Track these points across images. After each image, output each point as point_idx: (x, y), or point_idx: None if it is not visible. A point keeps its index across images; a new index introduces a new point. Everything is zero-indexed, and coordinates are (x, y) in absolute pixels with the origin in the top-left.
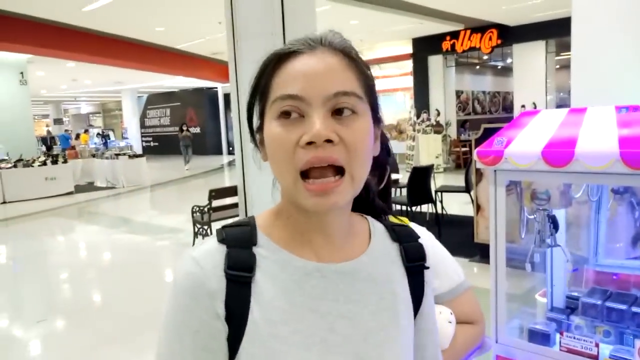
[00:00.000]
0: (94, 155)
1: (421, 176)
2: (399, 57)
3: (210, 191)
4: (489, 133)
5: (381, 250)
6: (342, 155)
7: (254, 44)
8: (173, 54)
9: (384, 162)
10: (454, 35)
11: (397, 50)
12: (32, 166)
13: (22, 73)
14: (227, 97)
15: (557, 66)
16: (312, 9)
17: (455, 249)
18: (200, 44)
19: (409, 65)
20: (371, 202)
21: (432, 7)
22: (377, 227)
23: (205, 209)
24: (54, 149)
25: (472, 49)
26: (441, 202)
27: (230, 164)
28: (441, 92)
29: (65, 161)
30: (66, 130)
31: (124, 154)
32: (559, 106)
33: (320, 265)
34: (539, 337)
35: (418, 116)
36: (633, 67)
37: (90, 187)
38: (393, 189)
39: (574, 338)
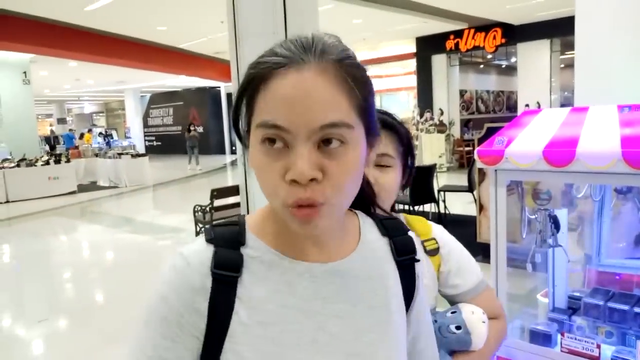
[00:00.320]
0: (96, 155)
1: (424, 175)
2: (402, 56)
3: (212, 191)
4: (492, 132)
5: (371, 246)
6: (325, 193)
7: (256, 43)
8: (175, 53)
9: (410, 168)
10: (458, 34)
11: (400, 49)
12: (35, 166)
13: (25, 73)
14: (229, 96)
15: (562, 65)
16: (315, 8)
17: None
18: (202, 43)
19: (412, 64)
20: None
21: (436, 5)
22: (367, 222)
23: (207, 209)
24: (58, 148)
25: (476, 48)
26: (444, 201)
27: (233, 163)
28: (445, 91)
29: (68, 160)
30: (70, 130)
31: (127, 154)
32: (563, 105)
33: (310, 266)
34: (540, 338)
35: (421, 115)
36: (636, 67)
37: (93, 186)
38: None
39: (575, 339)
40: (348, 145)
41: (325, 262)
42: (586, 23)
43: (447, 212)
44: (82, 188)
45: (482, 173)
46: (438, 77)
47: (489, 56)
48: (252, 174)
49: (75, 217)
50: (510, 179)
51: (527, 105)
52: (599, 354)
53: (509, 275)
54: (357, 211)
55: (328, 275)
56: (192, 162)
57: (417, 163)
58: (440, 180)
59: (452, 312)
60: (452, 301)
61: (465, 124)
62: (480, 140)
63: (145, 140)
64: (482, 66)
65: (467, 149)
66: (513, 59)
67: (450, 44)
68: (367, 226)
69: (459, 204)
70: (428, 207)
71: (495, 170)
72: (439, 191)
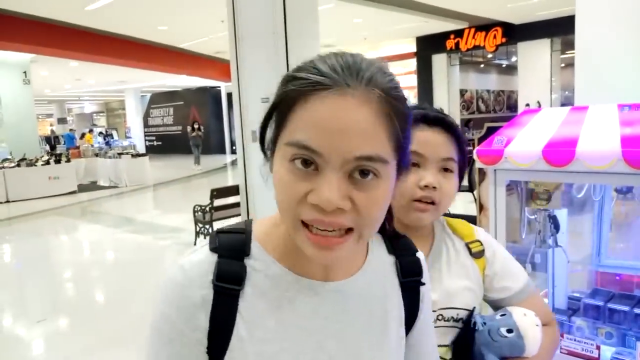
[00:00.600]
0: (97, 155)
1: None
2: (402, 55)
3: (212, 190)
4: (492, 132)
5: (376, 266)
6: (351, 220)
7: (255, 43)
8: (176, 53)
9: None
10: (458, 33)
11: (401, 48)
12: (36, 165)
13: (25, 72)
14: (230, 96)
15: (562, 64)
16: (315, 8)
17: None
18: (203, 42)
19: (412, 63)
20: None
21: (436, 5)
22: (376, 238)
23: (207, 209)
24: (58, 148)
25: (476, 47)
26: None
27: (234, 163)
28: (445, 90)
29: (68, 160)
30: (71, 130)
31: (127, 153)
32: (564, 104)
33: (314, 283)
34: None
35: None
36: (637, 66)
37: (93, 186)
38: None
39: (575, 340)
40: (380, 180)
41: (330, 281)
42: (586, 22)
43: (447, 211)
44: (82, 188)
45: (481, 173)
46: (438, 77)
47: (490, 55)
48: (251, 173)
49: (76, 217)
50: (509, 178)
51: (527, 105)
52: (599, 355)
53: None
54: None
55: (331, 294)
56: (198, 160)
57: None
58: None
59: (502, 315)
60: (499, 307)
61: (465, 123)
62: (480, 140)
63: (145, 140)
64: (482, 65)
65: (467, 148)
66: (513, 59)
67: (450, 43)
68: (376, 244)
69: (460, 204)
70: None
71: (495, 170)
72: None
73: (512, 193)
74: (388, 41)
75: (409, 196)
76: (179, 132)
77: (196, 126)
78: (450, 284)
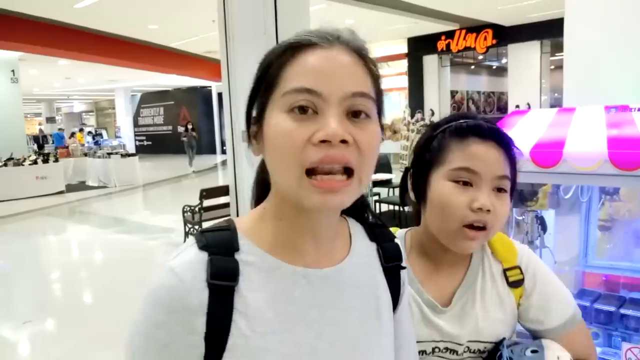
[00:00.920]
0: (86, 154)
1: None
2: (394, 56)
3: (202, 191)
4: None
5: (362, 253)
6: (354, 157)
7: (246, 42)
8: (166, 52)
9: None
10: (449, 35)
11: (392, 49)
12: (23, 165)
13: (13, 71)
14: (220, 96)
15: (552, 67)
16: (306, 8)
17: None
18: (193, 42)
19: (404, 64)
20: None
21: (427, 6)
22: (356, 227)
23: (197, 209)
24: (46, 147)
25: (467, 48)
26: None
27: (224, 163)
28: (436, 92)
29: (56, 160)
30: (60, 129)
31: (117, 153)
32: (553, 106)
33: (307, 271)
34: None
35: (412, 116)
36: (624, 68)
37: (81, 186)
38: (386, 189)
39: None
40: (371, 120)
41: (322, 268)
42: (575, 25)
43: None
44: (70, 188)
45: None
46: (429, 78)
47: (480, 57)
48: (241, 174)
49: (64, 217)
50: None
51: (517, 106)
52: None
53: None
54: (346, 217)
55: (323, 281)
56: (193, 162)
57: (408, 164)
58: None
59: (533, 351)
60: (534, 335)
61: None
62: None
63: (135, 140)
64: (473, 67)
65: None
66: (504, 60)
67: (441, 44)
68: (357, 232)
69: None
70: None
71: None
72: None
73: None
74: (380, 42)
75: (459, 220)
76: (170, 132)
77: (190, 127)
78: (482, 316)
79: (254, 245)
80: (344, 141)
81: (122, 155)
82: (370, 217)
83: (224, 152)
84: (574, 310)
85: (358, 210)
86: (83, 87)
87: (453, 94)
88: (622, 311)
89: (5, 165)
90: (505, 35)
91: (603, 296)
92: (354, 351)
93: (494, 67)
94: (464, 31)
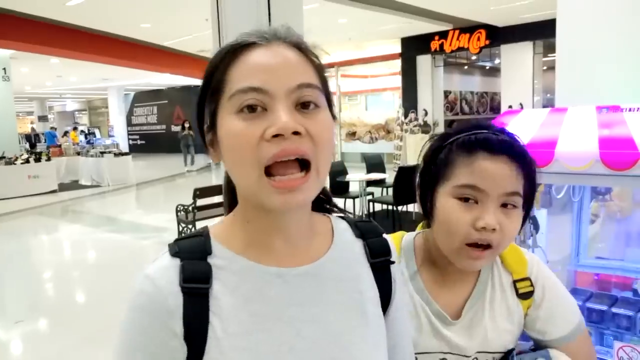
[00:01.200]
0: (78, 153)
1: (408, 176)
2: (387, 56)
3: (195, 190)
4: None
5: (344, 249)
6: (309, 147)
7: None
8: (159, 51)
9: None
10: (443, 35)
11: (385, 49)
12: (15, 164)
13: (4, 69)
14: None
15: (544, 67)
16: (300, 7)
17: None
18: (187, 41)
19: (397, 64)
20: (328, 201)
21: (420, 6)
22: (340, 224)
23: (190, 208)
24: (39, 146)
25: (460, 49)
26: None
27: (218, 163)
28: (429, 92)
29: (48, 159)
30: (52, 128)
31: (110, 152)
32: (545, 107)
33: (281, 271)
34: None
35: (406, 116)
36: (616, 69)
37: (74, 185)
38: (379, 189)
39: None
40: (321, 109)
41: (297, 266)
42: (567, 26)
43: None
44: (63, 187)
45: None
46: (423, 78)
47: (473, 57)
48: None
49: (56, 216)
50: None
51: (510, 107)
52: None
53: None
54: (330, 215)
55: (301, 279)
56: (189, 162)
57: (401, 163)
58: None
59: None
60: (539, 345)
61: (449, 124)
62: None
63: (129, 139)
64: (466, 67)
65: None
66: (497, 61)
67: (435, 44)
68: (341, 228)
69: None
70: (411, 207)
71: None
72: None
73: None
74: (373, 42)
75: (462, 239)
76: (163, 131)
77: (187, 125)
78: (491, 327)
79: (226, 249)
80: (296, 133)
81: (115, 154)
82: (336, 209)
83: None
84: (579, 319)
85: (322, 204)
86: (75, 85)
87: (446, 94)
88: (614, 310)
89: None
90: (498, 35)
91: (595, 295)
92: (337, 347)
93: (487, 68)
94: (457, 31)
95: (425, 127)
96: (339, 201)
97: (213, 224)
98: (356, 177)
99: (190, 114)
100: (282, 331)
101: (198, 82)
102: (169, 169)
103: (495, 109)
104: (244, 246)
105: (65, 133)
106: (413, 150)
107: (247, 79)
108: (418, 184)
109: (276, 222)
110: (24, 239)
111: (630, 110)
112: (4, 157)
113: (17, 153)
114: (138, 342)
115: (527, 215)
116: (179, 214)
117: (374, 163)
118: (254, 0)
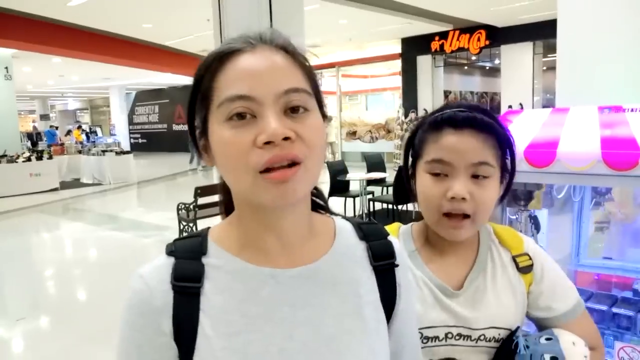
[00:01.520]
0: (80, 152)
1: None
2: (388, 56)
3: (196, 188)
4: None
5: (345, 251)
6: (301, 150)
7: None
8: (161, 51)
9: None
10: (443, 35)
11: (386, 49)
12: (17, 162)
13: (7, 68)
14: None
15: (544, 68)
16: (301, 8)
17: None
18: (188, 41)
19: (397, 64)
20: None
21: (421, 7)
22: (344, 226)
23: (191, 207)
24: (40, 144)
25: (460, 49)
26: None
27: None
28: (429, 92)
29: (50, 157)
30: (51, 126)
31: (111, 151)
32: (545, 107)
33: (275, 272)
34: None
35: (406, 116)
36: (617, 69)
37: (76, 183)
38: (380, 188)
39: None
40: (310, 112)
41: (292, 268)
42: (568, 26)
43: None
44: (64, 185)
45: None
46: (423, 78)
47: (473, 58)
48: None
49: (57, 214)
50: None
51: (510, 107)
52: None
53: None
54: (333, 216)
55: (295, 280)
56: (194, 159)
57: (401, 163)
58: None
59: (547, 339)
60: (542, 325)
61: None
62: None
63: (130, 138)
64: (466, 67)
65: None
66: (497, 61)
67: (435, 45)
68: (343, 230)
69: None
70: (411, 207)
71: None
72: None
73: None
74: (373, 42)
75: (437, 210)
76: (165, 130)
77: None
78: (494, 302)
79: (222, 249)
80: (287, 138)
81: (117, 153)
82: (326, 207)
83: None
84: (578, 296)
85: (316, 202)
86: (77, 84)
87: (446, 94)
88: (614, 310)
89: None
90: (498, 36)
91: (595, 295)
92: (328, 350)
93: (487, 68)
94: (457, 32)
95: None
96: (339, 200)
97: (214, 225)
98: (356, 176)
99: None
100: (272, 332)
101: None
102: (170, 168)
103: (495, 109)
104: (240, 247)
105: (69, 132)
106: None
107: (234, 86)
108: (402, 168)
109: (271, 222)
110: (26, 237)
111: (632, 110)
112: (6, 155)
113: (19, 151)
114: (132, 340)
115: (510, 185)
116: (180, 212)
117: (374, 162)
118: (255, 1)
